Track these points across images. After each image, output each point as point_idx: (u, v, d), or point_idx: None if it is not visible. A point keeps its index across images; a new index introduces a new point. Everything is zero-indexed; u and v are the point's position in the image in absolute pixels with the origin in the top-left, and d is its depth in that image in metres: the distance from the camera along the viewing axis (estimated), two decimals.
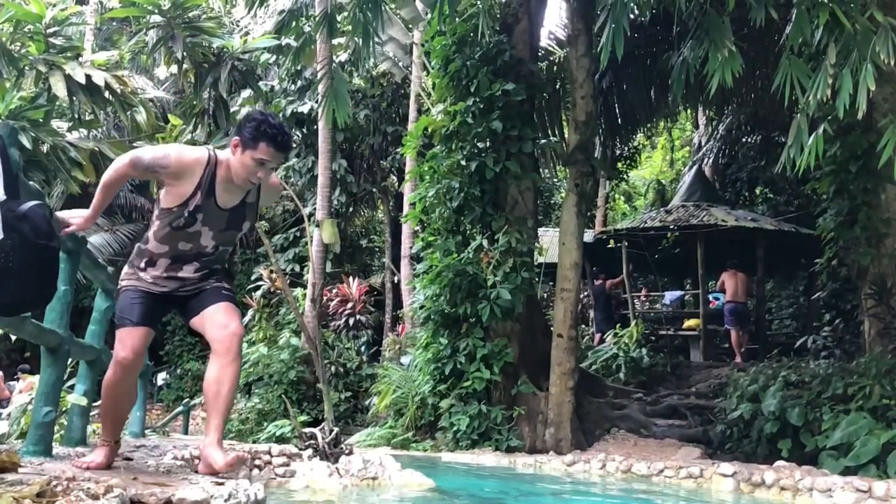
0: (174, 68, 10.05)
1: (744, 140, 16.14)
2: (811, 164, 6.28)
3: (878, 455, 5.88)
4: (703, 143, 17.90)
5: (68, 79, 7.03)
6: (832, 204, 8.51)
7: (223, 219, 3.04)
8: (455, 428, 8.12)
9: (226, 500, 2.30)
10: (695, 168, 15.85)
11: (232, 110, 12.71)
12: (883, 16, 5.64)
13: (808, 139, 6.15)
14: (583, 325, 13.74)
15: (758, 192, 17.33)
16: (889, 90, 7.13)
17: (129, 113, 8.31)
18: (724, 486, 5.36)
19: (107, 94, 7.47)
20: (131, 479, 2.51)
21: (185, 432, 11.38)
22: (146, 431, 6.98)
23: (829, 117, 6.39)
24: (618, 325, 12.87)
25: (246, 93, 16.44)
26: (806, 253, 12.73)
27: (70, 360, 3.76)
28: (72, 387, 4.32)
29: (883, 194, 7.82)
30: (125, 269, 3.14)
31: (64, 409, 4.31)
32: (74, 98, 7.29)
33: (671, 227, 12.97)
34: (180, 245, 3.02)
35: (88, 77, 7.15)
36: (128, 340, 2.95)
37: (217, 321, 2.97)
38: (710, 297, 13.52)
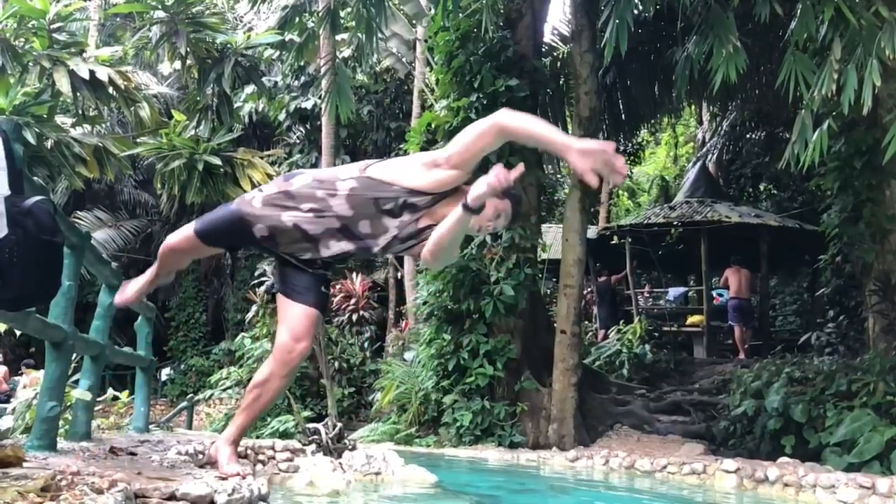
0: (178, 64, 10.05)
1: (748, 136, 16.08)
2: (815, 160, 6.27)
3: (881, 452, 5.87)
4: (706, 139, 17.86)
5: (72, 74, 7.01)
6: (836, 200, 8.48)
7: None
8: (458, 424, 8.14)
9: (229, 496, 2.30)
10: (698, 164, 15.82)
11: (235, 106, 12.71)
12: (888, 11, 5.62)
13: (812, 135, 6.13)
14: (586, 322, 13.73)
15: (762, 188, 17.28)
16: (894, 86, 7.09)
17: (132, 109, 8.30)
18: (727, 483, 5.37)
19: (111, 89, 7.45)
20: (135, 474, 2.52)
21: (189, 427, 11.39)
22: (150, 427, 7.00)
23: (834, 113, 6.36)
24: (621, 322, 12.87)
25: (249, 89, 16.48)
26: (810, 249, 12.71)
27: (74, 355, 3.77)
28: (76, 382, 4.33)
29: (887, 190, 7.79)
30: (279, 181, 2.82)
31: (68, 403, 4.33)
32: (78, 94, 7.28)
33: (675, 223, 12.94)
34: (361, 224, 2.72)
35: (92, 73, 7.14)
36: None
37: (295, 329, 2.80)
38: (714, 293, 13.51)
